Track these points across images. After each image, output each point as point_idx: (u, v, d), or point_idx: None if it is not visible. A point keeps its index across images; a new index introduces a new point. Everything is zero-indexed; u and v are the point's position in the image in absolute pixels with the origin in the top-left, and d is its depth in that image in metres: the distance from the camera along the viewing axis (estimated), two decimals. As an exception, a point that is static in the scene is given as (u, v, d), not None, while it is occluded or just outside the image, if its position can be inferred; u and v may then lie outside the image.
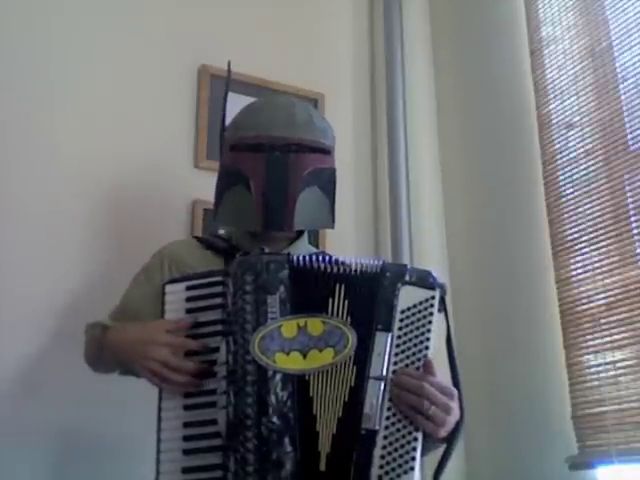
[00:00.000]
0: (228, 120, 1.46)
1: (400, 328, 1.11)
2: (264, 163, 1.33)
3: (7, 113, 1.85)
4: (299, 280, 1.13)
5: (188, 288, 1.17)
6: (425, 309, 1.12)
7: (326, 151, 1.39)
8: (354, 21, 2.55)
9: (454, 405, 1.11)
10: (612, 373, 1.72)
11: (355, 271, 1.15)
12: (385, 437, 1.06)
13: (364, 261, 1.16)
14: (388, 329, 1.11)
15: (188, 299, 1.16)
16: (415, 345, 1.11)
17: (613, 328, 1.74)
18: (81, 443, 1.69)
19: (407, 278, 1.14)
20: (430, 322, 1.11)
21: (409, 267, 1.16)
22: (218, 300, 1.14)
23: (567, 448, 1.79)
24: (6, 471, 1.60)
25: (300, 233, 1.44)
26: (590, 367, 1.78)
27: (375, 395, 1.07)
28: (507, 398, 1.99)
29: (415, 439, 1.07)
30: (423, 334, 1.11)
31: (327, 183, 1.39)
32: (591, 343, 1.79)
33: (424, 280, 1.14)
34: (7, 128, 1.84)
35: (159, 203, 1.98)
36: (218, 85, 2.12)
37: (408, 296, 1.13)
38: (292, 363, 1.08)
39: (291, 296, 1.12)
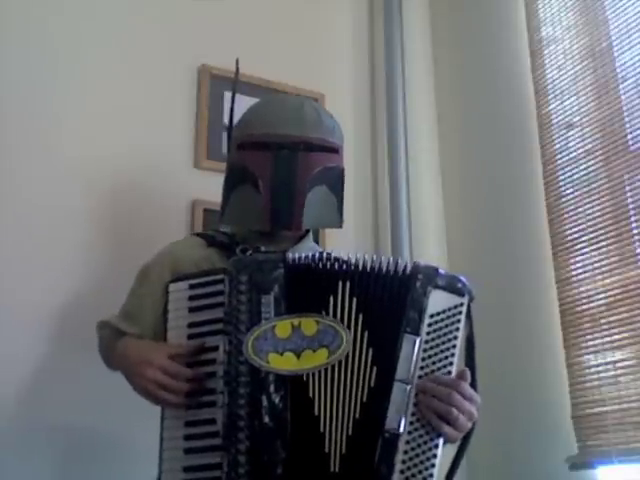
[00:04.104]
0: (236, 119, 1.45)
1: (428, 333, 1.08)
2: (272, 162, 1.31)
3: (6, 114, 1.84)
4: (295, 279, 1.11)
5: (191, 287, 1.16)
6: (454, 315, 1.10)
7: (334, 150, 1.37)
8: (354, 21, 2.55)
9: (475, 412, 1.09)
10: (612, 373, 1.73)
11: (372, 269, 1.12)
12: (407, 442, 1.04)
13: (387, 260, 1.12)
14: (417, 333, 1.08)
15: (191, 297, 1.16)
16: (442, 351, 1.08)
17: (613, 328, 1.74)
18: (83, 444, 1.68)
19: (438, 282, 1.11)
20: (458, 329, 1.09)
21: (439, 270, 1.13)
22: (220, 298, 1.13)
23: (567, 448, 1.79)
24: (8, 472, 1.60)
25: (307, 232, 1.43)
26: (590, 367, 1.78)
27: (401, 398, 1.05)
28: (507, 398, 1.99)
29: (436, 446, 1.05)
30: (450, 340, 1.08)
31: (335, 182, 1.37)
32: (591, 343, 1.79)
33: (454, 286, 1.12)
34: (5, 129, 1.84)
35: (159, 203, 1.97)
36: (218, 85, 2.12)
37: (438, 301, 1.10)
38: (285, 364, 1.06)
39: (286, 295, 1.10)
